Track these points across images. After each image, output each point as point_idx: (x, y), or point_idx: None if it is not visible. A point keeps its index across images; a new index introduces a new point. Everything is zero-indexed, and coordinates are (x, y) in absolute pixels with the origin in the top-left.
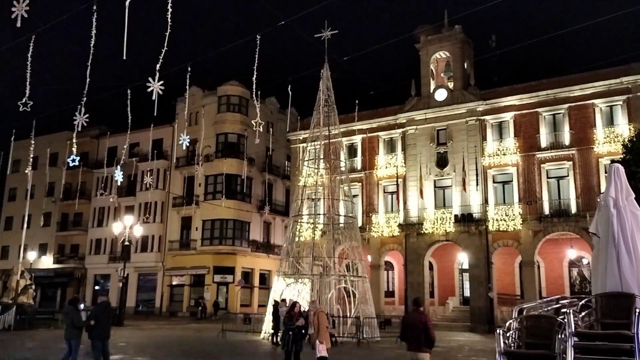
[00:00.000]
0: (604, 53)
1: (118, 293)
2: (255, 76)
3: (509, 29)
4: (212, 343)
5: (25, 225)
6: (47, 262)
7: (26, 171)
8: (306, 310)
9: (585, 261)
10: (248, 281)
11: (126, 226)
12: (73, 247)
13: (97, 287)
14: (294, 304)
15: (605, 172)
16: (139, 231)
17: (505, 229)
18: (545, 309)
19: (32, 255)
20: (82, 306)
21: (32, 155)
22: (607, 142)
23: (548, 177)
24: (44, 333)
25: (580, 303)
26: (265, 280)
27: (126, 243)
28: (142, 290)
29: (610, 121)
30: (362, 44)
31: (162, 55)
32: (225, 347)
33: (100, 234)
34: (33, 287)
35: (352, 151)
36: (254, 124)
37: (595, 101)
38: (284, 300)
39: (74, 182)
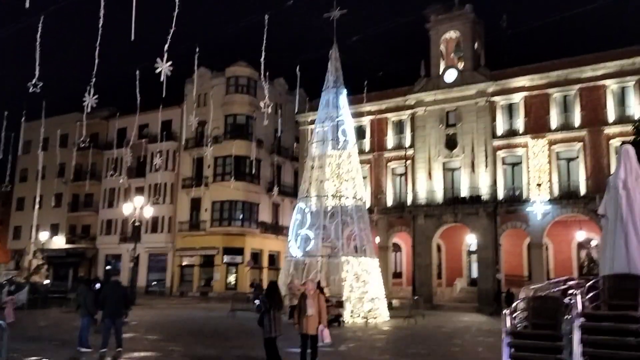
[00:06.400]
0: (616, 33)
1: (129, 273)
2: (263, 57)
3: (520, 8)
4: (222, 322)
5: (36, 206)
6: (59, 242)
7: (37, 152)
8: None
9: (593, 243)
10: (257, 262)
11: (136, 207)
12: (84, 228)
13: (108, 267)
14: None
15: (616, 154)
16: (149, 212)
17: (513, 211)
18: (553, 290)
19: (44, 235)
20: (97, 286)
21: (42, 137)
22: (618, 124)
23: (558, 159)
24: (56, 312)
25: (588, 284)
26: (274, 261)
27: (136, 224)
28: (153, 271)
29: (621, 102)
30: (372, 24)
31: (170, 35)
32: (234, 326)
33: (111, 214)
34: (45, 266)
35: (360, 133)
36: (263, 105)
37: (607, 82)
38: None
39: (84, 163)
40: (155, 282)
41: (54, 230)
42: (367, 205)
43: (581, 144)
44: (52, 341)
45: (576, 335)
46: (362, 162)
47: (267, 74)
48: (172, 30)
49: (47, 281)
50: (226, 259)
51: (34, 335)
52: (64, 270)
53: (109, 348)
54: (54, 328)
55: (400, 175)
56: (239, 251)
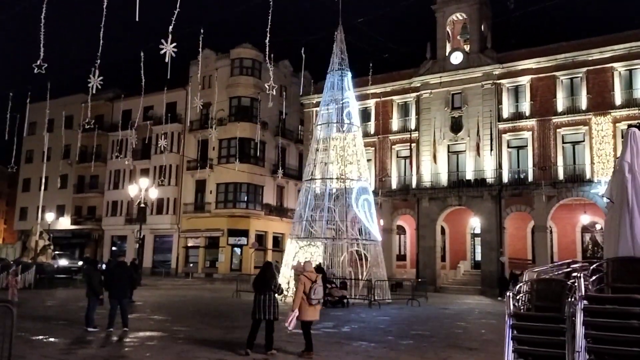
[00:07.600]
0: (625, 14)
1: (135, 254)
2: (268, 39)
3: None
4: (227, 303)
5: (42, 187)
6: (65, 223)
7: (43, 134)
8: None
9: (598, 227)
10: (261, 243)
11: (141, 189)
12: (90, 209)
13: (114, 248)
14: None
15: (622, 137)
16: (154, 194)
17: (518, 194)
18: (556, 273)
19: (50, 216)
20: (103, 266)
21: (47, 118)
22: (625, 107)
23: (563, 142)
24: (62, 292)
25: (592, 267)
26: (278, 243)
27: (142, 205)
28: (158, 252)
29: (629, 85)
30: (377, 6)
31: (175, 17)
32: (239, 307)
33: (116, 196)
34: (52, 247)
35: (365, 115)
36: (267, 87)
37: (615, 65)
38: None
39: (89, 145)
40: (161, 264)
41: (60, 212)
42: (372, 187)
43: (587, 127)
44: (59, 321)
45: (579, 317)
46: (366, 144)
47: (272, 55)
48: (176, 12)
49: (80, 263)
50: (231, 240)
51: (41, 315)
52: (70, 251)
53: (115, 328)
54: (61, 308)
55: (405, 158)
56: (244, 233)
